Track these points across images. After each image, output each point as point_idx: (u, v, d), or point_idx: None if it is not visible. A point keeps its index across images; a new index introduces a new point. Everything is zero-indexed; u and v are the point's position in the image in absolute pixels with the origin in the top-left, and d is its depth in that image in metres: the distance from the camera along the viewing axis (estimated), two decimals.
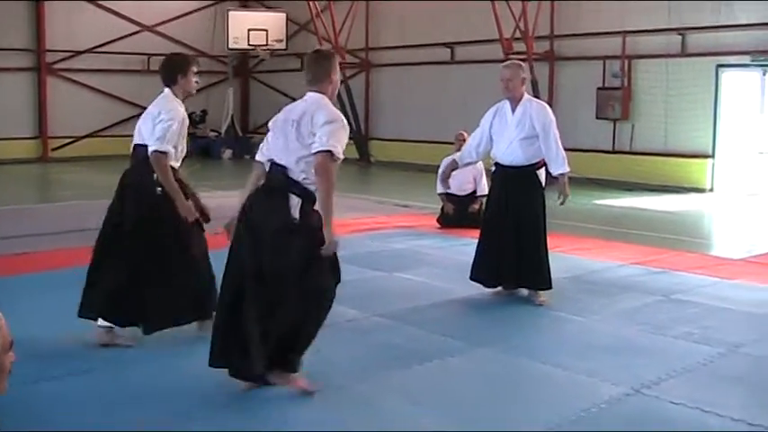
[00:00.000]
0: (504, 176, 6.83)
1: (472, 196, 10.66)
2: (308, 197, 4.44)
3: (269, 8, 24.15)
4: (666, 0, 15.67)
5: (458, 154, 7.08)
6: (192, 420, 4.22)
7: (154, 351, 5.33)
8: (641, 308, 6.68)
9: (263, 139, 4.74)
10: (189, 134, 5.85)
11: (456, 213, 10.64)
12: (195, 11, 23.94)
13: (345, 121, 4.56)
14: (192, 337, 5.48)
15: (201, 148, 22.24)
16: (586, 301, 6.85)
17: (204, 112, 23.16)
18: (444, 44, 19.65)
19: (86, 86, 22.32)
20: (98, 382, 4.80)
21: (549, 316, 6.47)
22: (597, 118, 16.83)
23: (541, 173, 6.79)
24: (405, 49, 19.98)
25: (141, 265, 5.37)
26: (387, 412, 4.39)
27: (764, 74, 14.83)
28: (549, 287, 6.77)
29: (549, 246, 6.89)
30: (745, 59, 14.84)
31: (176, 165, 5.49)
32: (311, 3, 20.88)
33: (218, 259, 4.85)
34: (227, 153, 22.92)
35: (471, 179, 10.65)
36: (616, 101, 16.55)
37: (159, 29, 23.31)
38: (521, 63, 6.92)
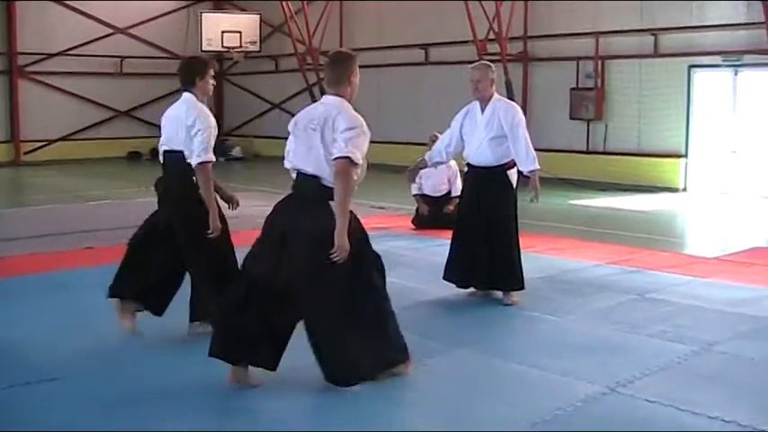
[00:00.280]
0: (474, 177, 6.85)
1: (447, 197, 10.68)
2: None
3: (243, 10, 24.06)
4: (639, 0, 15.79)
5: (428, 153, 7.08)
6: (188, 420, 4.23)
7: (153, 351, 5.38)
8: (616, 307, 6.70)
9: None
10: None
11: (431, 214, 10.65)
12: (168, 13, 23.83)
13: (365, 126, 4.54)
14: (192, 336, 5.55)
15: None
16: (561, 301, 6.86)
17: None
18: (419, 45, 19.68)
19: (59, 89, 22.16)
20: (91, 383, 4.77)
21: (523, 316, 6.48)
22: (571, 118, 16.92)
23: (513, 173, 6.80)
24: (379, 50, 19.97)
25: (212, 269, 5.47)
26: (366, 413, 4.37)
27: (736, 74, 14.97)
28: (522, 287, 6.78)
29: (522, 246, 6.91)
30: (717, 60, 14.97)
31: None
32: (285, 4, 20.83)
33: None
34: None
35: (446, 180, 10.68)
36: (589, 101, 16.63)
37: (132, 31, 23.20)
38: (489, 64, 6.93)
